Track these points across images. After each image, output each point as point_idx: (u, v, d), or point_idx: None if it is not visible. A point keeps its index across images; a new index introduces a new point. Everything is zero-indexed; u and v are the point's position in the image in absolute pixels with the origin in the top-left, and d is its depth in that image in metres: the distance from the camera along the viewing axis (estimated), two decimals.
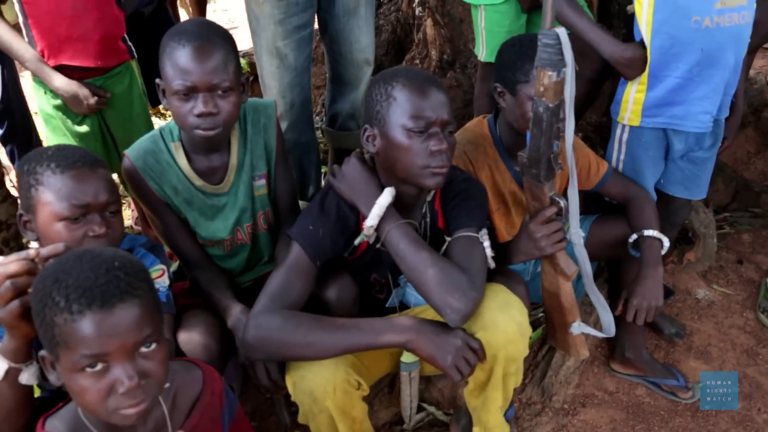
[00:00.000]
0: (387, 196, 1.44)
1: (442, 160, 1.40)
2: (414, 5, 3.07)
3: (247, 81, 1.57)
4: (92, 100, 2.01)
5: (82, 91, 2.00)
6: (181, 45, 1.44)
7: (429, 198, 1.55)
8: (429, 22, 2.88)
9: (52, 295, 0.94)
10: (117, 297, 0.95)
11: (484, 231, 1.51)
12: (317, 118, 3.04)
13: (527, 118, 1.45)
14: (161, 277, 1.45)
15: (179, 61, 1.44)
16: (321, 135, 2.75)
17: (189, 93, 1.46)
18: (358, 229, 1.51)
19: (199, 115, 1.46)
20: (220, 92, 1.47)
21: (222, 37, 1.50)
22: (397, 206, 1.50)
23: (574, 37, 1.91)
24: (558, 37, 1.28)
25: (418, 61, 2.95)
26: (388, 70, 1.51)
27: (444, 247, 1.50)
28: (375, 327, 1.37)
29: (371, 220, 1.42)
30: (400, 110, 1.40)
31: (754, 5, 1.74)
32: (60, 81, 1.99)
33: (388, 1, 3.49)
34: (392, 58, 3.29)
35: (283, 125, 2.19)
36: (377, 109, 1.43)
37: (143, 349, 0.98)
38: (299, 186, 2.36)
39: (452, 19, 2.84)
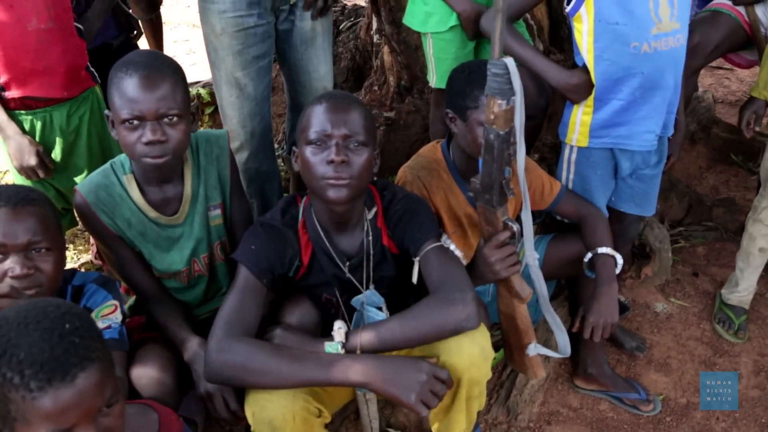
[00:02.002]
0: (335, 345, 1.39)
1: (336, 170, 1.41)
2: (371, 33, 3.13)
3: (197, 110, 1.60)
4: (33, 161, 1.97)
5: (30, 149, 1.97)
6: (128, 75, 1.46)
7: (370, 216, 1.58)
8: (386, 49, 2.93)
9: (2, 370, 0.89)
10: (77, 367, 0.91)
11: (445, 236, 1.56)
12: (278, 146, 3.05)
13: (478, 143, 1.49)
14: (113, 313, 1.44)
15: (126, 90, 1.46)
16: (282, 163, 2.77)
17: (137, 122, 1.47)
18: (298, 246, 1.55)
19: (148, 143, 1.47)
20: (167, 120, 1.49)
21: (169, 67, 1.53)
22: (336, 226, 1.55)
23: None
24: (506, 67, 1.32)
25: (376, 88, 2.99)
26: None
27: (416, 269, 1.52)
28: (333, 363, 1.33)
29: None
30: (307, 125, 1.45)
31: (687, 28, 1.82)
32: (12, 130, 1.96)
33: (346, 30, 3.54)
34: (351, 84, 3.33)
35: (244, 154, 2.20)
36: (298, 129, 1.50)
37: (104, 409, 0.95)
38: (262, 214, 2.37)
39: (408, 46, 2.90)
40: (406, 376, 1.30)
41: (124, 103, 1.46)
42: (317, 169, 1.43)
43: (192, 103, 1.59)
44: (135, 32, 2.66)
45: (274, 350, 1.36)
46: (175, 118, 1.49)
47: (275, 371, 1.33)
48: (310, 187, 1.49)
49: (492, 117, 1.37)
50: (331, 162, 1.41)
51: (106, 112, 1.54)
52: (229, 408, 1.46)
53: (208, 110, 3.55)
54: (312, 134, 1.44)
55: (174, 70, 1.53)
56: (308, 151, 1.45)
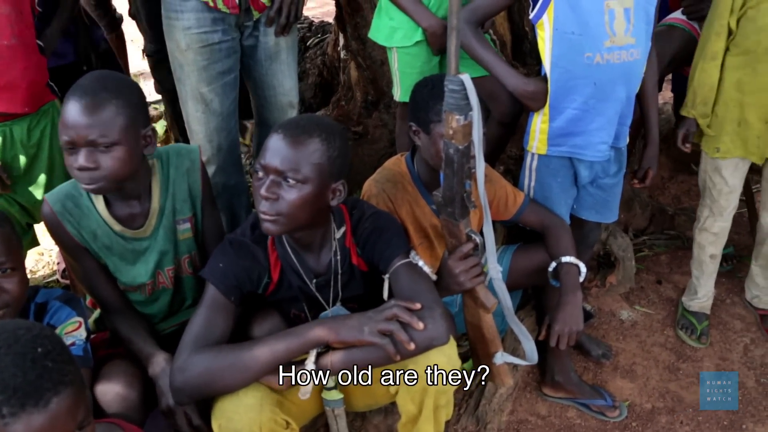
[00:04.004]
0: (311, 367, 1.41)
1: (264, 205, 1.42)
2: (338, 49, 3.16)
3: (154, 133, 1.57)
4: None
5: None
6: (70, 99, 1.46)
7: (338, 236, 1.59)
8: (353, 64, 2.96)
9: None
10: (51, 391, 0.89)
11: (413, 252, 1.56)
12: (246, 161, 3.06)
13: (442, 155, 1.52)
14: (78, 330, 1.43)
15: (65, 116, 1.45)
16: (250, 177, 2.77)
17: (72, 147, 1.46)
18: (267, 263, 1.55)
19: (79, 169, 1.46)
20: (101, 148, 1.46)
21: (113, 92, 1.48)
22: (298, 245, 1.56)
23: (485, 81, 2.03)
24: (463, 83, 1.35)
25: (343, 103, 3.02)
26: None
27: (386, 286, 1.53)
28: (288, 335, 1.39)
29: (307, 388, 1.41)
30: (259, 155, 1.45)
31: (646, 44, 1.87)
32: None
33: (314, 46, 3.57)
34: (320, 100, 3.36)
35: (212, 169, 2.20)
36: None
37: None
38: (230, 229, 2.36)
39: (374, 61, 2.94)
40: (352, 320, 1.39)
41: (62, 127, 1.46)
42: (256, 199, 1.44)
43: (148, 126, 1.56)
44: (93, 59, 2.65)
45: (232, 346, 1.39)
46: (109, 146, 1.46)
47: (238, 363, 1.35)
48: None
49: (450, 132, 1.40)
50: (260, 196, 1.42)
51: None
52: (192, 423, 1.46)
53: None
54: (257, 164, 1.45)
55: (116, 95, 1.47)
56: (254, 179, 1.46)
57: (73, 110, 1.44)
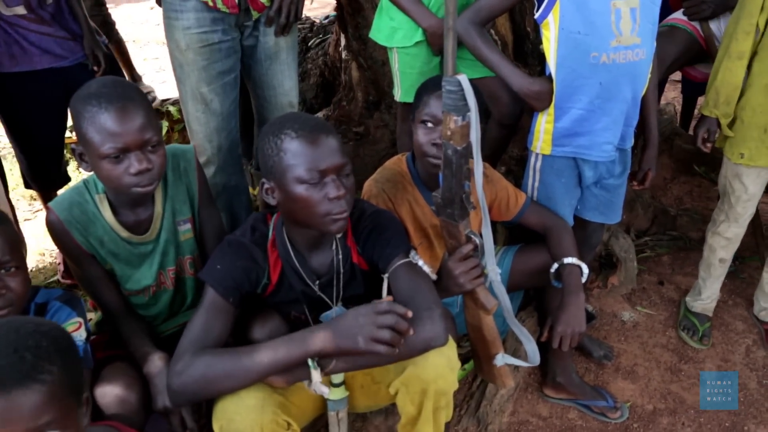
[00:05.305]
0: (317, 380, 1.39)
1: (341, 206, 1.42)
2: (340, 49, 3.16)
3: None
4: None
5: None
6: (102, 108, 1.44)
7: (339, 235, 1.58)
8: (354, 65, 2.96)
9: None
10: (15, 381, 0.90)
11: (413, 252, 1.56)
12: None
13: (420, 146, 1.51)
14: (78, 330, 1.43)
15: (106, 125, 1.43)
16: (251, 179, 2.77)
17: (121, 154, 1.46)
18: (266, 264, 1.54)
19: (137, 174, 1.47)
20: (150, 147, 1.49)
21: (137, 92, 1.52)
22: (310, 247, 1.54)
23: (485, 82, 2.02)
24: (460, 84, 1.34)
25: (345, 103, 3.02)
26: (276, 119, 1.51)
27: (385, 285, 1.53)
28: (288, 342, 1.35)
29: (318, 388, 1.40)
30: (293, 163, 1.41)
31: (651, 44, 1.86)
32: None
33: (315, 46, 3.57)
34: (321, 100, 3.36)
35: (212, 169, 2.20)
36: (270, 163, 1.44)
37: None
38: (230, 229, 2.36)
39: (375, 61, 2.93)
40: (347, 326, 1.32)
41: (105, 138, 1.44)
42: (320, 208, 1.41)
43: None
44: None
45: (232, 351, 1.38)
46: (156, 145, 1.50)
47: (237, 370, 1.34)
48: (307, 222, 1.46)
49: (449, 133, 1.40)
50: (335, 198, 1.40)
51: (73, 145, 1.52)
52: (186, 425, 1.47)
53: (178, 127, 3.54)
54: (305, 173, 1.40)
55: (142, 95, 1.53)
56: (303, 189, 1.41)
57: (117, 117, 1.44)
